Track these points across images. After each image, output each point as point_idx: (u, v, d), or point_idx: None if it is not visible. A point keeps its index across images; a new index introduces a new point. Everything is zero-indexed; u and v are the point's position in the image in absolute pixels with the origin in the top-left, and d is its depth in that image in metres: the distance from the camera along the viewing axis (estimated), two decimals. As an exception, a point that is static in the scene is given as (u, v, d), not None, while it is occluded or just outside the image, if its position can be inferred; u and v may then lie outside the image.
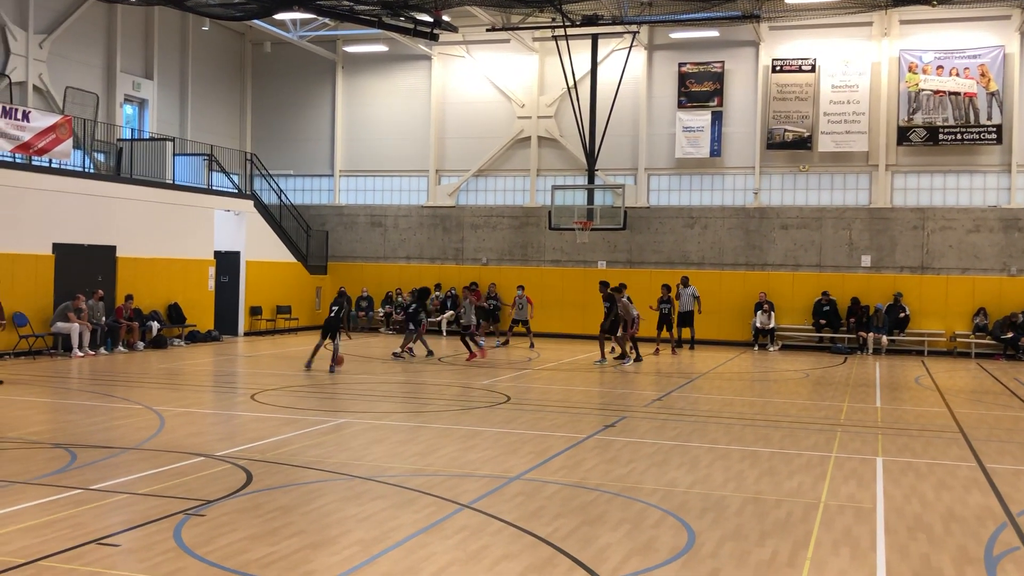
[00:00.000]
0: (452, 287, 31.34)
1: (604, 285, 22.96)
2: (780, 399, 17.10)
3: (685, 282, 26.88)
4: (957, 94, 27.64)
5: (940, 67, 27.79)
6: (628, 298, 23.57)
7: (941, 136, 27.81)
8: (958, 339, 27.44)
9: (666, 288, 26.09)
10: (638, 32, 28.59)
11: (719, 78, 29.72)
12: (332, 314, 20.24)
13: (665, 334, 26.07)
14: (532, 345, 26.68)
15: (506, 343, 27.10)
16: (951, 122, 27.69)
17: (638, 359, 22.94)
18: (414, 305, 23.10)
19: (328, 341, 20.05)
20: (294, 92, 34.05)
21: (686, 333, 26.78)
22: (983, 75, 27.41)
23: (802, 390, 18.58)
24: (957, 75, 27.65)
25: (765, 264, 29.43)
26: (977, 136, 27.54)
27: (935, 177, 28.45)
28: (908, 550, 7.68)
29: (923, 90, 27.92)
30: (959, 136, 27.68)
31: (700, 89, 29.86)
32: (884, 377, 21.14)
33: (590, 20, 27.10)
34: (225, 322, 28.33)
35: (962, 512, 8.93)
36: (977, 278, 27.60)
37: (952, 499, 9.44)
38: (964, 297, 27.56)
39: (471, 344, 22.77)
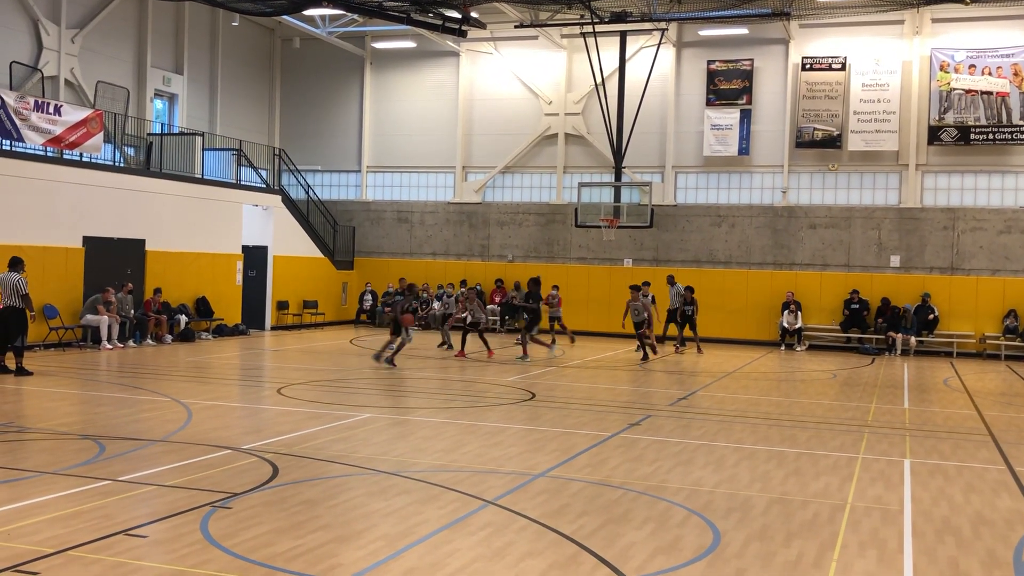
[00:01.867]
0: (477, 283, 31.37)
1: (533, 282, 23.05)
2: (807, 399, 16.99)
3: (671, 280, 26.66)
4: (989, 93, 27.34)
5: (972, 66, 27.50)
6: (653, 297, 23.74)
7: (972, 136, 27.53)
8: (988, 341, 27.17)
9: (689, 290, 25.94)
10: (667, 29, 28.47)
11: (748, 76, 29.56)
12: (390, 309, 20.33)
13: (688, 333, 25.97)
14: (573, 339, 26.83)
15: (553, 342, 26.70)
16: (983, 122, 27.40)
17: (644, 358, 22.66)
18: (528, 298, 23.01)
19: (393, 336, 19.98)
20: (322, 88, 34.18)
21: (673, 330, 26.37)
22: (1016, 74, 27.10)
23: (829, 391, 18.45)
24: (989, 74, 27.35)
25: (793, 264, 29.25)
26: (1009, 136, 27.23)
27: (966, 177, 28.17)
28: (936, 553, 7.61)
29: (955, 89, 27.64)
30: (991, 136, 27.39)
31: (729, 87, 29.71)
32: (912, 378, 20.96)
33: (619, 17, 27.01)
34: (252, 316, 28.51)
35: (991, 516, 8.84)
36: (1008, 279, 27.31)
37: (981, 502, 9.35)
38: (994, 298, 27.28)
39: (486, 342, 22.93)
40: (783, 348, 27.75)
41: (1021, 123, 27.07)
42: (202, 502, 8.34)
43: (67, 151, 22.59)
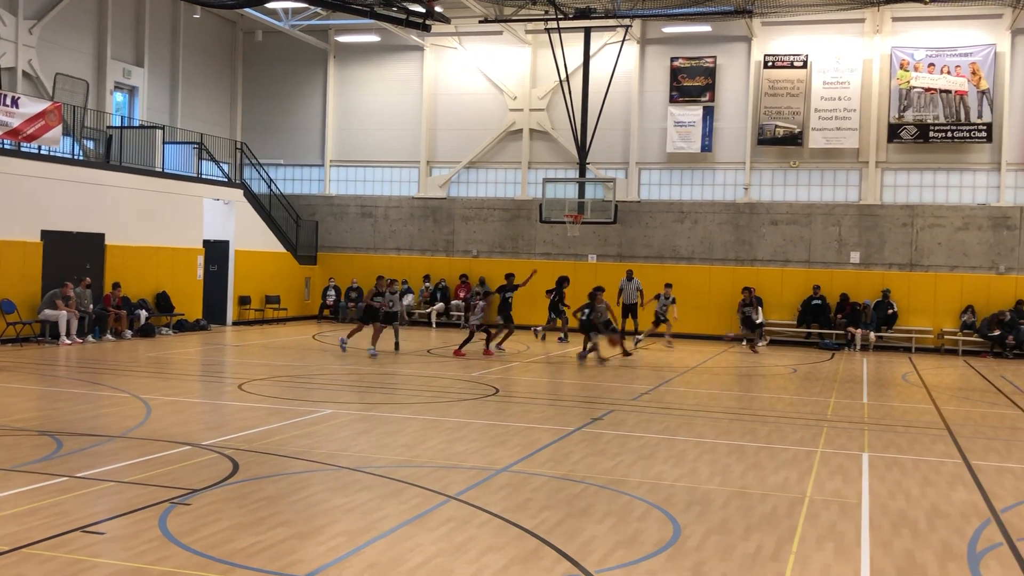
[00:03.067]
0: (442, 279, 31.37)
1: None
2: (767, 394, 17.14)
3: (629, 275, 26.88)
4: (948, 92, 27.69)
5: (932, 65, 27.84)
6: (673, 299, 25.60)
7: (931, 134, 27.87)
8: (946, 336, 27.54)
9: (748, 291, 25.81)
10: (631, 26, 28.57)
11: (711, 73, 29.73)
12: (584, 316, 21.01)
13: (663, 328, 26.02)
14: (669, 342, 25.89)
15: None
16: (942, 120, 27.75)
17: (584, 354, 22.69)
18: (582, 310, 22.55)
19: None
20: (285, 81, 33.94)
21: (629, 325, 26.66)
22: (974, 73, 27.47)
23: (789, 385, 18.63)
24: (948, 73, 27.70)
25: (754, 259, 29.47)
26: (967, 134, 27.61)
27: (925, 175, 28.52)
28: (892, 546, 7.72)
29: (914, 87, 27.97)
30: (949, 134, 27.75)
31: (692, 84, 29.86)
32: (871, 373, 21.21)
33: (583, 13, 27.06)
34: (213, 311, 28.26)
35: (946, 508, 8.97)
36: (965, 276, 27.70)
37: (937, 495, 9.49)
38: (952, 295, 27.66)
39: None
40: (744, 343, 27.94)
41: (979, 121, 27.45)
42: (161, 498, 8.27)
43: (25, 144, 22.28)
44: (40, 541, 6.98)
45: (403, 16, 26.06)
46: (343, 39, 32.92)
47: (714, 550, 7.40)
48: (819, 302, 28.02)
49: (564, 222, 28.07)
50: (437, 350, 22.82)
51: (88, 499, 8.30)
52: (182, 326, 26.13)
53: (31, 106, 22.23)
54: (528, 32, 31.03)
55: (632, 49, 30.24)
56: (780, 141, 29.14)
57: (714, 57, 29.77)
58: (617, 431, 12.57)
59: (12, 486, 8.57)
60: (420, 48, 32.34)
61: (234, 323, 28.99)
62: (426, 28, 26.58)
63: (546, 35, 28.66)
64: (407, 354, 22.06)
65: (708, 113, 29.74)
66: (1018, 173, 27.72)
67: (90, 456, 10.04)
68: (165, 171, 26.74)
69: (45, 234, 22.45)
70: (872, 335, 27.21)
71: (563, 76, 28.55)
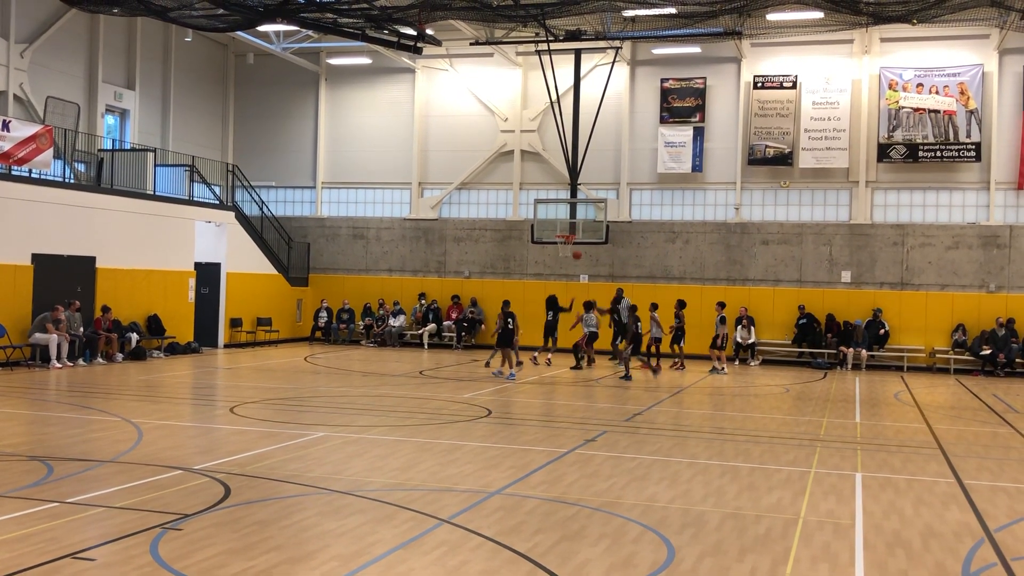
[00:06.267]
0: (434, 300, 31.36)
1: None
2: (760, 414, 17.13)
3: (619, 295, 27.00)
4: (937, 112, 27.86)
5: (920, 85, 28.02)
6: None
7: (921, 153, 28.02)
8: (937, 355, 27.59)
9: (721, 305, 25.98)
10: (621, 48, 28.70)
11: (701, 94, 29.86)
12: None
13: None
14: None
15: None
16: (931, 139, 27.91)
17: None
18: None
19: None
20: (277, 103, 34.00)
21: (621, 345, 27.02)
22: (962, 93, 27.65)
23: (782, 405, 18.62)
24: (937, 93, 27.87)
25: (746, 279, 29.53)
26: (956, 154, 27.76)
27: (915, 194, 28.64)
28: (886, 566, 7.70)
29: (903, 107, 28.14)
30: (938, 153, 27.90)
31: (682, 105, 29.99)
32: (864, 393, 21.22)
33: (573, 35, 27.18)
34: (205, 334, 28.18)
35: (940, 528, 8.96)
36: (956, 294, 27.78)
37: (930, 515, 9.48)
38: (943, 313, 27.73)
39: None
40: (736, 363, 27.95)
41: (968, 141, 27.61)
42: (152, 524, 8.22)
43: (16, 167, 22.25)
44: (31, 568, 6.93)
45: (395, 39, 26.17)
46: (334, 61, 33.02)
47: (708, 572, 7.38)
48: (804, 321, 28.04)
49: (556, 242, 28.10)
50: (428, 371, 22.76)
51: (79, 525, 8.25)
52: (173, 349, 26.05)
53: (22, 129, 22.21)
54: (519, 54, 31.16)
55: (622, 70, 30.38)
56: (770, 161, 29.25)
57: (704, 78, 29.91)
58: (610, 452, 12.54)
59: (2, 512, 8.51)
60: (412, 70, 32.44)
61: (226, 346, 28.91)
62: (417, 51, 26.69)
63: (537, 57, 28.79)
64: (400, 376, 22.01)
65: (698, 133, 29.85)
66: (1007, 192, 27.87)
67: (81, 481, 9.98)
68: (156, 194, 26.72)
69: (36, 257, 22.40)
70: (864, 354, 27.24)
71: (554, 97, 28.65)
